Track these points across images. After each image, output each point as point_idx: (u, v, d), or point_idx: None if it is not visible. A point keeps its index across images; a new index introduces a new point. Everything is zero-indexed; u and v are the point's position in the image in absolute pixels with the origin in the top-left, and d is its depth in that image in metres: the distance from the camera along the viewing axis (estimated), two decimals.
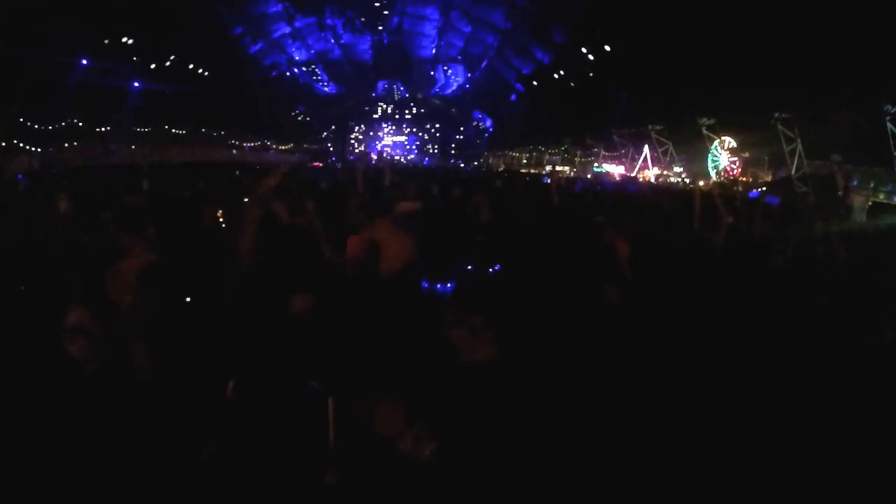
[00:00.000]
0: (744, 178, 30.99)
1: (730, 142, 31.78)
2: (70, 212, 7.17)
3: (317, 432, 2.95)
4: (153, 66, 31.08)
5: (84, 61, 26.18)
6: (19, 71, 21.71)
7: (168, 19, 29.47)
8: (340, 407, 2.97)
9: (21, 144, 24.54)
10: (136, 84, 31.20)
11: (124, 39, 28.04)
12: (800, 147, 24.86)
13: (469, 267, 5.15)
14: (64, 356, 3.00)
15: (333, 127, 62.10)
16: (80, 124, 29.78)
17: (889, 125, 19.92)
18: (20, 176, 19.50)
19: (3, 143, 23.41)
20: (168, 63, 32.61)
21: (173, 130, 38.13)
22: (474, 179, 21.40)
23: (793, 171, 25.18)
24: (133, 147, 32.74)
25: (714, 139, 32.70)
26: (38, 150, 25.30)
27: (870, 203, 20.98)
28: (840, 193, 21.82)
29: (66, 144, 27.60)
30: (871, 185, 21.62)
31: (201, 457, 2.94)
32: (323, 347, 3.30)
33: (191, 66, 35.68)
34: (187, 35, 32.79)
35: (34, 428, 2.80)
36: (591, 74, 36.80)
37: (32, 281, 4.71)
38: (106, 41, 26.82)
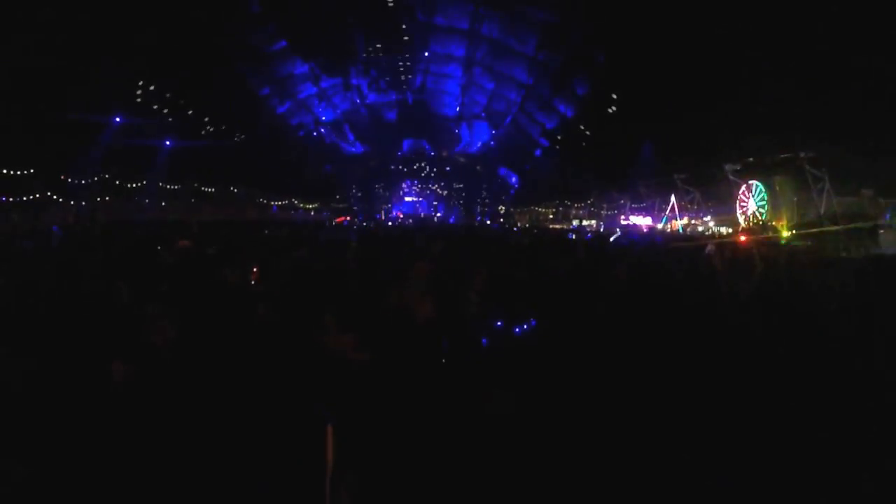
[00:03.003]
0: (773, 222, 30.65)
1: (757, 186, 31.55)
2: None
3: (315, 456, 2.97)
4: (183, 125, 31.85)
5: (117, 119, 26.94)
6: (55, 127, 22.36)
7: (197, 80, 30.29)
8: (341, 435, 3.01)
9: (55, 198, 25.14)
10: (167, 143, 31.96)
11: (155, 99, 28.87)
12: (828, 185, 24.59)
13: (499, 323, 5.13)
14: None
15: (359, 185, 62.71)
16: (116, 182, 30.54)
17: None
18: (55, 227, 19.90)
19: (38, 196, 24.00)
20: (197, 122, 33.46)
21: (202, 189, 38.79)
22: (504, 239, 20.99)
23: (822, 210, 24.86)
24: (164, 204, 33.35)
25: (741, 184, 32.52)
26: (72, 203, 25.90)
27: None
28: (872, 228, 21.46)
29: (99, 199, 28.19)
30: None
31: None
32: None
33: (219, 126, 36.54)
34: (216, 95, 33.66)
35: None
36: (614, 125, 37.01)
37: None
38: (138, 100, 27.61)
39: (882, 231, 20.97)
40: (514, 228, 44.55)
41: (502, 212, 61.40)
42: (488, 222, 57.48)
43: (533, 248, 12.53)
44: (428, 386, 3.41)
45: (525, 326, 5.04)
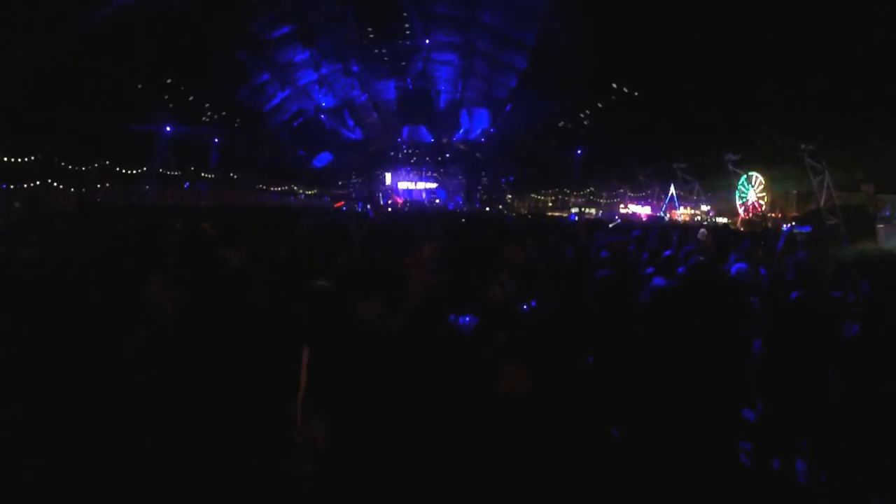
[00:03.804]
0: (772, 214, 30.73)
1: (757, 177, 31.57)
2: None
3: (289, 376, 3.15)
4: (182, 111, 31.75)
5: (116, 106, 26.84)
6: (54, 115, 22.32)
7: (196, 66, 30.13)
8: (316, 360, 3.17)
9: (55, 184, 25.11)
10: (166, 129, 31.88)
11: (154, 85, 28.78)
12: (828, 179, 24.61)
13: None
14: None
15: (359, 171, 62.64)
16: (117, 168, 30.51)
17: None
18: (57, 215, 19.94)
19: (38, 183, 23.98)
20: (196, 109, 33.37)
21: (202, 174, 38.71)
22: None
23: (821, 203, 24.90)
24: (163, 190, 33.32)
25: (741, 175, 32.54)
26: (72, 189, 25.86)
27: None
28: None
29: (99, 186, 28.15)
30: None
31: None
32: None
33: (218, 113, 36.47)
34: (215, 81, 33.55)
35: None
36: (614, 114, 36.92)
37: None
38: (137, 87, 27.50)
39: (881, 226, 21.01)
40: (512, 214, 44.76)
41: (501, 199, 61.40)
42: (487, 209, 57.56)
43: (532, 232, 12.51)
44: (428, 356, 3.47)
45: (526, 306, 5.13)
